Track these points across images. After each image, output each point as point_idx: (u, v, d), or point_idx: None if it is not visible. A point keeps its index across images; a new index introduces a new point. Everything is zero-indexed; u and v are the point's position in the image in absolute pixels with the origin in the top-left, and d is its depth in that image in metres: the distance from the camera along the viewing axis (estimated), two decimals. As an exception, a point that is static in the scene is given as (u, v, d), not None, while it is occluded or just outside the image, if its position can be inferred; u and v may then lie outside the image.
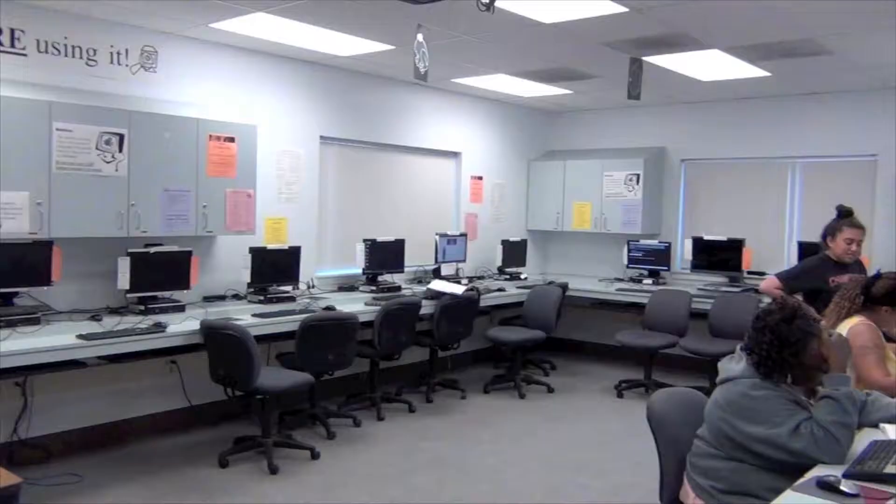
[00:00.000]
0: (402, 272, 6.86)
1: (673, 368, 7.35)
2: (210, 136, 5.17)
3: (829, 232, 4.66)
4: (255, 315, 5.20)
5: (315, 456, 4.93)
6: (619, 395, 6.78)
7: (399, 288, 6.59)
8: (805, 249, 6.68)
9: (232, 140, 5.31)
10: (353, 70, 6.53)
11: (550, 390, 6.88)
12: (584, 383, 7.24)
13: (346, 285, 6.51)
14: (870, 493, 2.03)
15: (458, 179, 7.88)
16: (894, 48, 5.26)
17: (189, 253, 5.13)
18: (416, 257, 7.15)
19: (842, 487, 2.05)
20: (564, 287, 7.37)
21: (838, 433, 2.34)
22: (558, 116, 8.89)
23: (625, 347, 6.99)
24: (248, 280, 5.57)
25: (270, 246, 5.80)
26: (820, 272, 4.57)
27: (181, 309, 5.04)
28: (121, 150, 4.69)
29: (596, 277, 8.17)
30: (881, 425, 2.66)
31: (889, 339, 3.72)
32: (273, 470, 4.64)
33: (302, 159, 6.24)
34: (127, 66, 5.07)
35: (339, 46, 5.62)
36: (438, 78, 6.75)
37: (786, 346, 2.53)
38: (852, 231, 4.57)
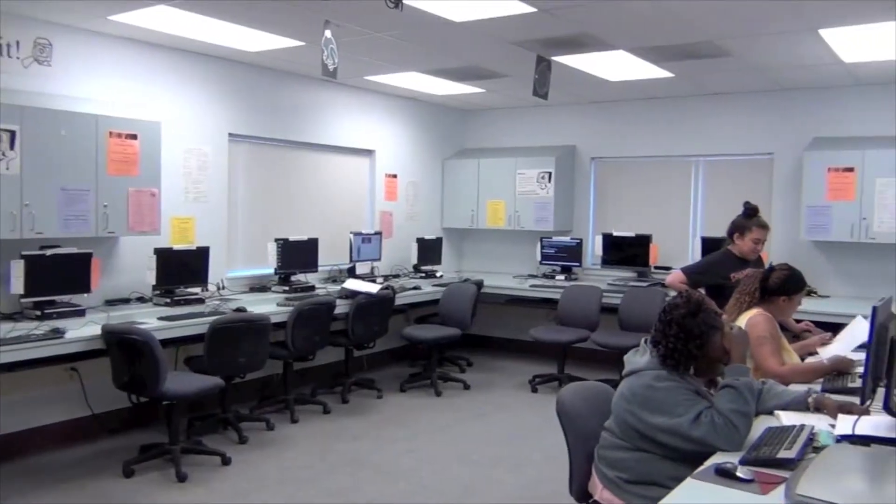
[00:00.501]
0: (316, 271, 6.77)
1: (585, 362, 7.51)
2: (111, 132, 4.96)
3: (737, 229, 4.76)
4: (161, 318, 5.02)
5: (226, 462, 4.80)
6: (534, 390, 6.89)
7: (313, 288, 6.50)
8: (707, 244, 6.95)
9: (134, 137, 5.11)
10: (262, 66, 6.39)
11: (466, 387, 6.92)
12: (499, 379, 7.32)
13: (258, 286, 6.38)
14: (763, 477, 2.12)
15: (372, 177, 7.83)
16: (788, 51, 5.53)
17: (89, 255, 4.91)
18: (331, 256, 7.07)
19: (738, 474, 2.12)
20: (479, 284, 7.43)
21: (737, 421, 2.42)
22: (472, 115, 8.95)
23: (538, 343, 7.10)
24: (154, 282, 5.38)
25: (177, 247, 5.61)
26: (723, 267, 4.71)
27: (81, 313, 4.82)
28: (12, 148, 4.44)
29: (510, 274, 8.27)
30: (776, 412, 2.77)
31: (784, 328, 3.90)
32: (181, 478, 4.49)
33: (210, 157, 6.07)
34: (18, 58, 4.81)
35: (247, 42, 5.49)
36: (350, 75, 6.69)
37: (691, 338, 2.61)
38: (760, 231, 4.70)
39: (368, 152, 7.78)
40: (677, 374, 2.61)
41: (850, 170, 6.38)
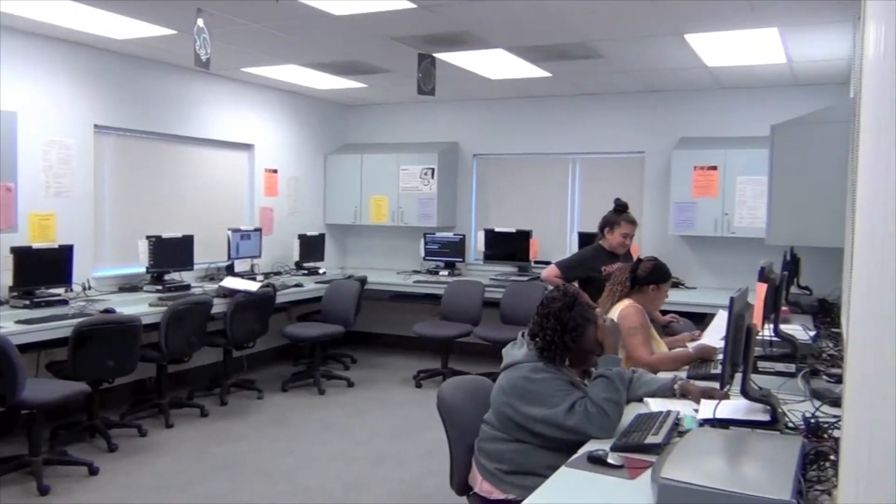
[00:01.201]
0: (192, 270, 6.51)
1: (469, 356, 7.60)
2: (-42, 122, 4.59)
3: (607, 224, 4.97)
4: (19, 322, 4.67)
5: (93, 471, 4.54)
6: (418, 385, 6.91)
7: (188, 287, 6.25)
8: (584, 239, 7.19)
9: (-14, 127, 4.74)
10: (131, 55, 6.08)
11: (350, 384, 6.85)
12: (383, 375, 7.30)
13: (129, 285, 6.07)
14: (632, 462, 2.20)
15: (251, 172, 7.61)
16: (657, 54, 5.79)
17: (-66, 254, 4.52)
18: (207, 254, 6.82)
19: (609, 460, 2.19)
20: (363, 281, 7.37)
21: (609, 409, 2.51)
22: (354, 110, 8.86)
23: (422, 338, 7.13)
24: (11, 283, 5.02)
25: (36, 245, 5.25)
26: (594, 261, 4.90)
27: (-74, 318, 4.43)
28: None
29: (394, 270, 8.26)
30: (645, 399, 2.90)
31: (652, 319, 4.08)
32: (43, 491, 4.21)
33: (73, 150, 5.71)
34: None
35: (113, 29, 5.20)
36: (227, 67, 6.47)
37: (567, 331, 2.69)
38: (628, 226, 4.92)
39: (247, 146, 7.55)
40: (553, 366, 2.67)
41: (714, 168, 6.77)
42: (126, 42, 5.61)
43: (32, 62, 5.41)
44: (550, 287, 3.18)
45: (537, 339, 2.72)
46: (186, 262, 6.39)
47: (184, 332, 5.53)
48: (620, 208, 4.99)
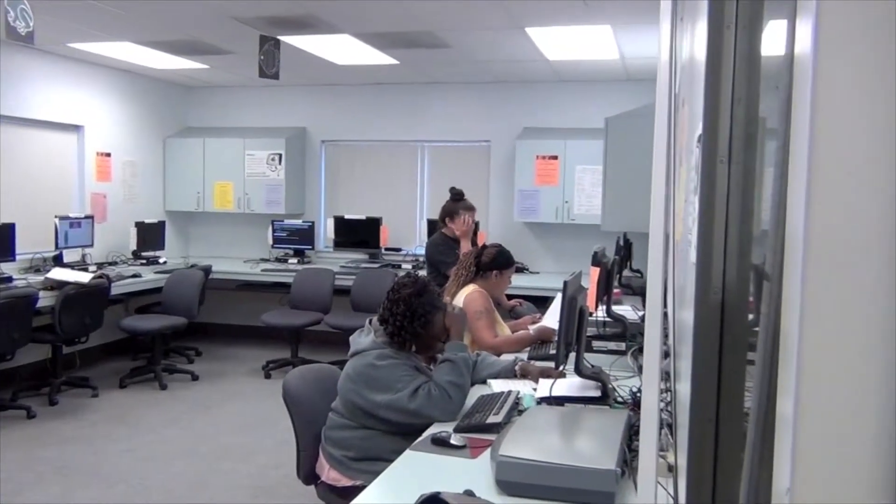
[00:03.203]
0: (14, 261, 5.99)
1: (320, 345, 7.52)
2: None
3: (447, 214, 5.14)
4: None
5: None
6: (267, 376, 6.76)
7: (10, 279, 5.75)
8: (432, 225, 7.30)
9: None
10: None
11: (195, 378, 6.60)
12: (230, 367, 7.08)
13: (-61, 279, 5.51)
14: (475, 442, 2.28)
15: (80, 156, 7.10)
16: (500, 46, 5.95)
17: None
18: (31, 243, 6.30)
19: (452, 441, 2.26)
20: (207, 270, 7.10)
21: (452, 392, 2.58)
22: (196, 92, 8.48)
23: (271, 328, 6.99)
24: None
25: None
26: (447, 248, 5.02)
27: None
28: None
29: (241, 259, 8.02)
30: (488, 381, 3.00)
31: (497, 305, 4.22)
32: None
33: None
34: None
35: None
36: (50, 41, 6.00)
37: (416, 317, 2.73)
38: (469, 213, 5.10)
39: (76, 128, 7.04)
40: (400, 352, 2.71)
41: (555, 158, 7.07)
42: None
43: None
44: (402, 273, 3.22)
45: (387, 325, 2.75)
46: (7, 252, 5.87)
47: (5, 329, 5.10)
48: (457, 196, 5.19)
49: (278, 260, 7.87)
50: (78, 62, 6.86)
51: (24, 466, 4.51)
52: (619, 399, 2.62)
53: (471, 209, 5.13)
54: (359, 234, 7.73)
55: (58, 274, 5.83)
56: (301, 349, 7.07)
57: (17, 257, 6.02)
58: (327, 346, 7.46)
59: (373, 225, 7.67)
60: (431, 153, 7.97)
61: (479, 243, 4.97)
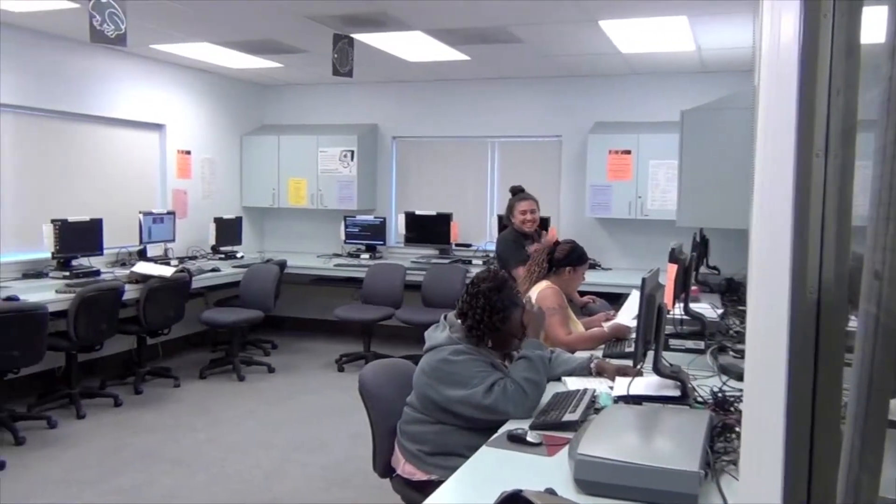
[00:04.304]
0: (102, 255, 6.27)
1: (391, 339, 7.61)
2: None
3: (509, 209, 5.30)
4: (-89, 312, 4.42)
5: (-1, 467, 4.36)
6: (340, 370, 6.88)
7: (98, 272, 6.01)
8: (503, 222, 7.28)
9: None
10: (30, 28, 5.76)
11: (271, 370, 6.76)
12: (305, 360, 7.23)
13: (33, 271, 5.79)
14: (551, 440, 2.26)
15: (163, 154, 7.36)
16: (572, 40, 5.89)
17: None
18: (118, 238, 6.56)
19: (528, 438, 2.25)
20: (282, 264, 7.27)
21: (528, 388, 2.57)
22: (271, 90, 8.68)
23: (344, 322, 7.10)
24: None
25: (-70, 230, 4.96)
26: (517, 244, 5.07)
27: None
28: None
29: (314, 254, 8.17)
30: (563, 378, 2.98)
31: (571, 300, 4.19)
32: (-56, 489, 4.02)
33: (-31, 129, 5.40)
34: None
35: (9, 1, 4.91)
36: (134, 43, 6.21)
37: (495, 312, 2.73)
38: (525, 203, 5.20)
39: (158, 126, 7.30)
40: (475, 348, 2.71)
41: (628, 152, 6.95)
42: (25, 15, 5.32)
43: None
44: (475, 270, 3.23)
45: (465, 319, 2.76)
46: (95, 246, 6.14)
47: (94, 320, 5.34)
48: (514, 191, 5.35)
49: (350, 255, 7.98)
50: (160, 63, 7.11)
51: (112, 452, 4.71)
52: (700, 399, 2.56)
53: (526, 199, 5.21)
54: (429, 230, 7.77)
55: (142, 268, 6.06)
56: (373, 343, 7.15)
57: (105, 251, 6.29)
58: (398, 341, 7.55)
59: (443, 221, 7.69)
60: (501, 149, 7.94)
61: (550, 239, 4.95)
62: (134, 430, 5.14)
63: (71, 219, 5.92)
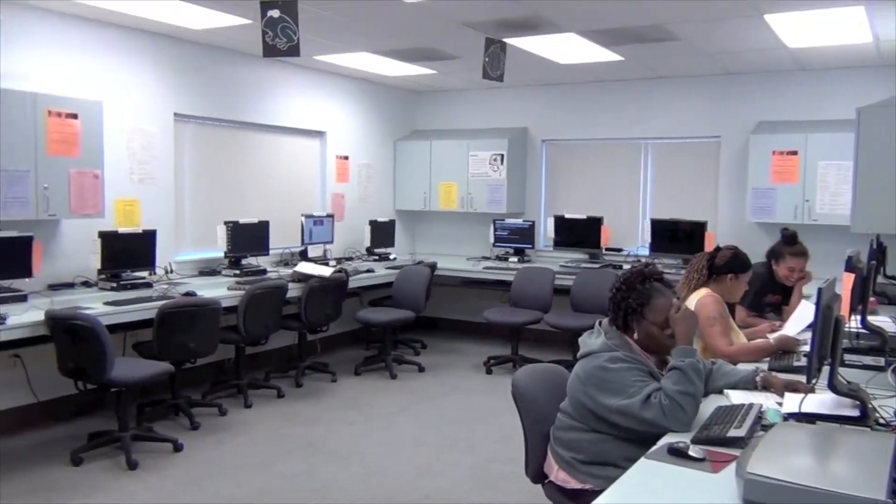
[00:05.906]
0: (267, 255, 6.67)
1: (538, 343, 7.58)
2: (49, 111, 4.79)
3: (773, 256, 4.72)
4: (107, 303, 4.90)
5: (178, 448, 4.73)
6: (489, 372, 6.93)
7: (264, 271, 6.41)
8: (656, 226, 7.07)
9: (74, 116, 4.94)
10: (208, 44, 6.24)
11: (421, 369, 6.93)
12: (454, 361, 7.35)
13: (208, 269, 6.25)
14: (714, 456, 2.16)
15: (323, 159, 7.73)
16: (735, 36, 5.62)
17: (29, 238, 4.74)
18: (282, 239, 6.97)
19: (690, 453, 2.16)
20: (433, 267, 7.42)
21: (683, 401, 2.44)
22: (423, 96, 8.89)
23: (492, 324, 7.14)
24: (98, 266, 5.24)
25: (122, 230, 5.46)
26: (763, 285, 4.67)
27: (23, 299, 4.67)
28: (-55, 128, 4.26)
29: (464, 256, 8.28)
30: (725, 391, 2.84)
31: (731, 309, 3.99)
32: (132, 465, 4.41)
33: (155, 137, 5.91)
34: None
35: (191, 19, 5.35)
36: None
37: (633, 292, 2.70)
38: (794, 260, 4.62)
39: (319, 133, 7.68)
40: (631, 355, 2.63)
41: (794, 153, 6.54)
42: (204, 32, 5.76)
43: (116, 52, 5.61)
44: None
45: (612, 306, 2.74)
46: (262, 247, 6.55)
47: (261, 316, 5.69)
48: (787, 240, 4.70)
49: (499, 258, 8.03)
50: (321, 73, 7.48)
51: (274, 442, 5.00)
52: (882, 420, 2.36)
53: (797, 255, 4.62)
54: (579, 234, 7.67)
55: (304, 268, 6.39)
56: (521, 347, 7.15)
57: (270, 251, 6.69)
58: (546, 345, 7.51)
59: (593, 224, 7.57)
60: (655, 151, 7.71)
61: (708, 246, 4.74)
62: (294, 421, 5.42)
63: (241, 221, 6.34)
